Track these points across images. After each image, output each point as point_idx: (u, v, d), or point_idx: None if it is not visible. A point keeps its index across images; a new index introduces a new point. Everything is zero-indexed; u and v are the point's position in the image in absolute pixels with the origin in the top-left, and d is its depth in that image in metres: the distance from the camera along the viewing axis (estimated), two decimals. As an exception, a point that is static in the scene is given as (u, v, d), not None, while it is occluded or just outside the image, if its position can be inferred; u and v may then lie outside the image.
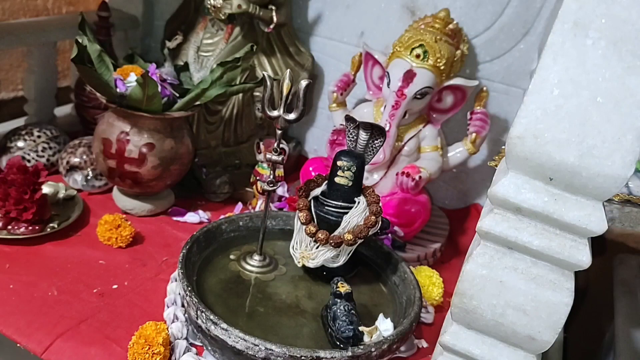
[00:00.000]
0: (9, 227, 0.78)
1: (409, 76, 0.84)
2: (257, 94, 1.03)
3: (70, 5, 1.27)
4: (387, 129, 0.84)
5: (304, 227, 0.71)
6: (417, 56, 0.84)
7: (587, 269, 0.45)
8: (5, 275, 0.72)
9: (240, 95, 1.00)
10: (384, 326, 0.62)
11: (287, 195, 0.95)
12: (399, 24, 1.00)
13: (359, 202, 0.70)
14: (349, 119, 0.70)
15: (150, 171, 0.85)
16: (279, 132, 0.69)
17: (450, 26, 0.88)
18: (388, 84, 0.87)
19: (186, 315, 0.67)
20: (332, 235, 0.69)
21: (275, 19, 0.98)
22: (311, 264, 0.71)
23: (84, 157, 0.92)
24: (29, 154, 0.94)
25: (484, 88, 0.91)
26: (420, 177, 0.86)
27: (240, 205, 0.96)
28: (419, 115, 0.91)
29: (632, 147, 0.40)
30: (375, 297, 0.74)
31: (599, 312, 1.11)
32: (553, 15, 0.61)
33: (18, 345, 0.63)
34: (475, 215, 1.05)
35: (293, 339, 0.64)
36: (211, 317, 0.60)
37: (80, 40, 0.82)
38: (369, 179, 0.91)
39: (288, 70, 0.68)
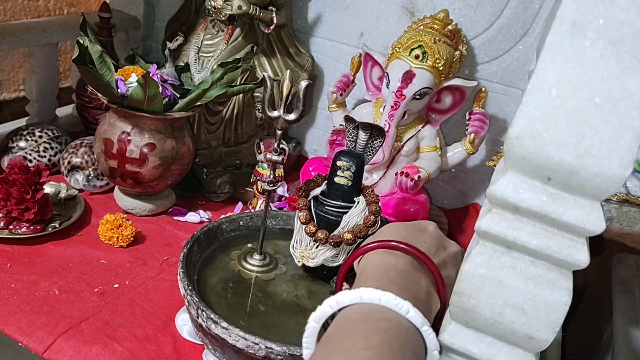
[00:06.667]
0: (11, 226, 0.79)
1: (408, 77, 0.84)
2: (258, 94, 1.03)
3: (72, 6, 1.27)
4: (386, 129, 0.85)
5: (304, 226, 0.71)
6: (416, 57, 0.85)
7: (585, 269, 0.45)
8: (7, 275, 0.72)
9: (241, 95, 1.00)
10: None
11: (287, 195, 0.95)
12: (398, 25, 1.00)
13: (358, 202, 0.71)
14: (348, 119, 0.71)
15: (151, 171, 0.85)
16: (279, 132, 0.70)
17: (449, 27, 0.88)
18: (387, 85, 0.87)
19: (187, 314, 0.67)
20: (331, 234, 0.69)
21: (275, 20, 0.98)
22: (311, 263, 0.71)
23: (86, 157, 0.93)
24: (30, 154, 0.95)
25: (483, 88, 0.91)
26: (419, 177, 0.86)
27: (240, 205, 0.96)
28: (418, 116, 0.92)
29: (630, 147, 0.40)
30: (375, 296, 0.74)
31: (597, 311, 1.11)
32: (551, 16, 0.61)
33: (19, 344, 0.63)
34: (474, 214, 1.05)
35: (293, 338, 0.64)
36: (212, 316, 0.60)
37: (81, 41, 0.82)
38: (368, 179, 0.92)
39: (288, 71, 0.68)
